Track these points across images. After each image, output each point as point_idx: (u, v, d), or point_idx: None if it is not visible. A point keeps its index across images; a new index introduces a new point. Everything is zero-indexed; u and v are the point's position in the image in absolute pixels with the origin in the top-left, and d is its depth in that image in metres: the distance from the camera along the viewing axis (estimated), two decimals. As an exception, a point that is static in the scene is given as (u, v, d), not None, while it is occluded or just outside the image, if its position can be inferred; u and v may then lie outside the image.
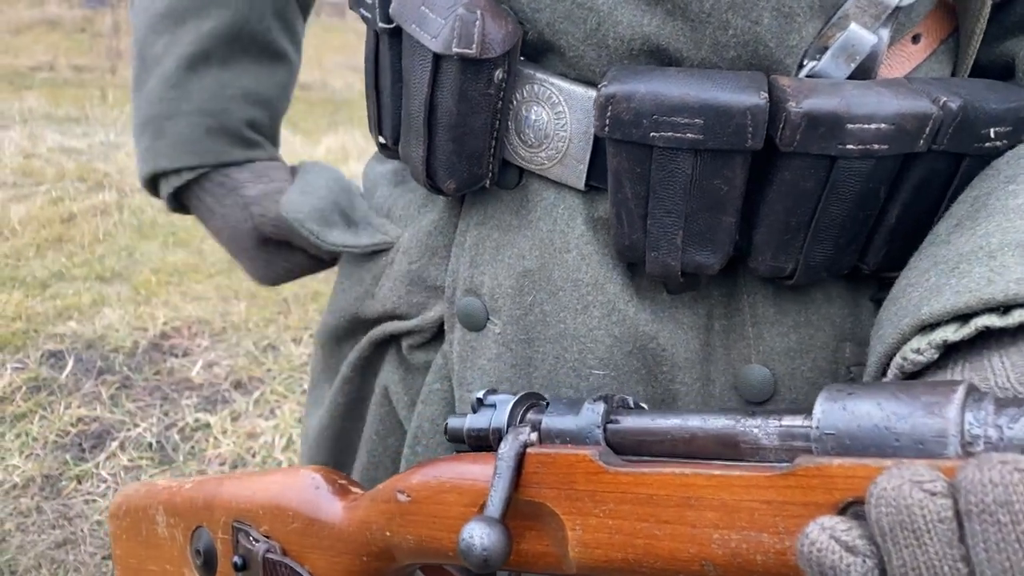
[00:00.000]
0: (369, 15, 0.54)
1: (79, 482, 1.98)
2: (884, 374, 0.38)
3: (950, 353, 0.37)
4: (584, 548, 0.37)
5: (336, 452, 0.68)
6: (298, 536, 0.51)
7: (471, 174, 0.51)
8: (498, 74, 0.48)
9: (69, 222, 3.27)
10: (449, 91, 0.48)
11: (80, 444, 2.10)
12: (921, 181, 0.45)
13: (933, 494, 0.27)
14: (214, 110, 0.69)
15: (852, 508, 0.29)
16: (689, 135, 0.43)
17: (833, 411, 0.30)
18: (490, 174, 0.52)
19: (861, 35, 0.44)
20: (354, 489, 0.51)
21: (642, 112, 0.44)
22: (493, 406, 0.42)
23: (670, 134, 0.44)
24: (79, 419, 2.18)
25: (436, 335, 0.58)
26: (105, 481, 1.99)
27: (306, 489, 0.52)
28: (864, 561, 0.28)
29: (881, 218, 0.47)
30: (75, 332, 2.53)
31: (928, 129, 0.43)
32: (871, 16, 0.44)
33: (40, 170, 3.81)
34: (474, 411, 0.43)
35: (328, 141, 4.94)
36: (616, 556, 0.35)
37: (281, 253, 0.72)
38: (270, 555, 0.51)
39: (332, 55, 9.00)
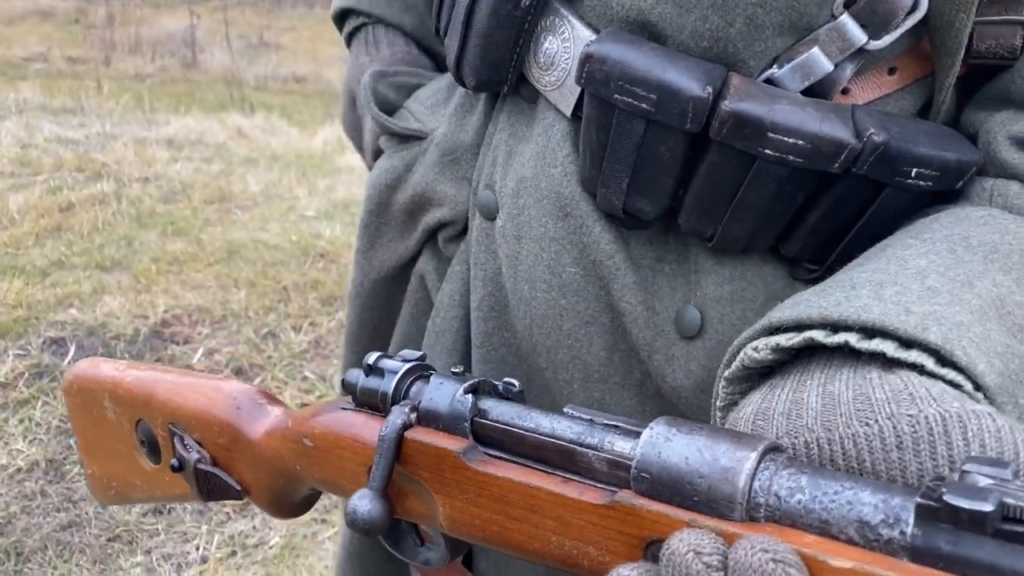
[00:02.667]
0: None
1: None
2: (731, 363, 0.43)
3: (801, 358, 0.41)
4: (451, 522, 0.43)
5: (364, 351, 0.73)
6: (225, 449, 0.55)
7: (490, 78, 0.59)
8: (526, 1, 0.55)
9: (68, 212, 3.28)
10: (485, 5, 0.56)
11: (83, 430, 2.12)
12: (840, 197, 0.51)
13: (709, 567, 0.31)
14: None
15: (654, 546, 0.34)
16: (644, 106, 0.50)
17: (650, 455, 0.35)
18: (508, 82, 0.59)
19: (819, 60, 0.50)
20: (274, 409, 0.55)
21: (611, 76, 0.51)
22: (383, 373, 0.46)
23: (630, 100, 0.51)
24: (81, 405, 2.20)
25: (464, 229, 0.66)
26: (108, 466, 2.02)
27: (229, 406, 0.56)
28: None
29: (802, 215, 0.53)
30: (76, 320, 2.54)
31: (844, 156, 0.48)
32: (836, 48, 0.50)
33: (37, 160, 3.82)
34: (367, 374, 0.47)
35: (324, 133, 4.95)
36: (477, 534, 0.42)
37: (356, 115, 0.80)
38: (201, 465, 0.56)
39: (327, 48, 9.00)
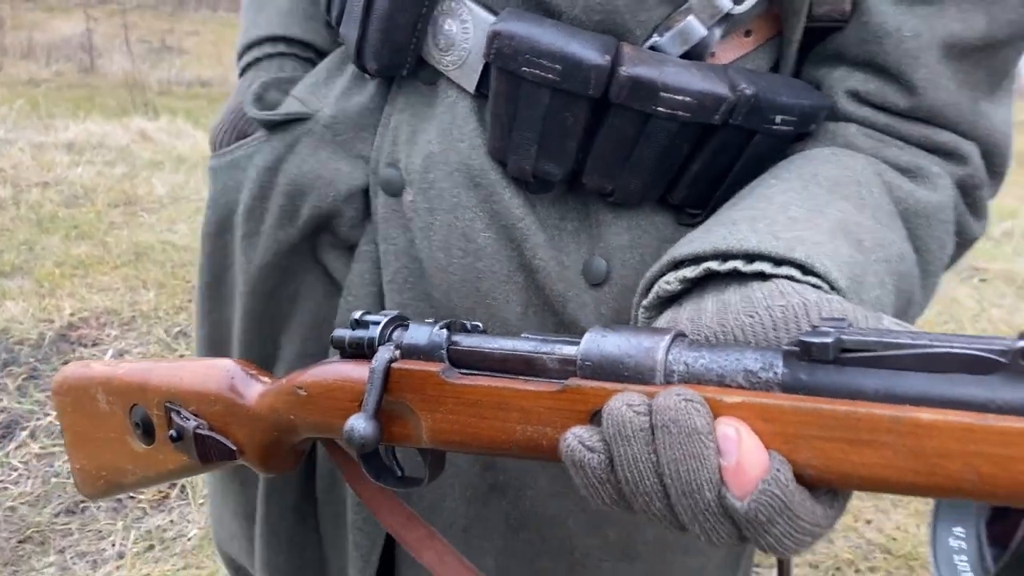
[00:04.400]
0: None
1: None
2: (647, 294, 0.51)
3: (701, 285, 0.49)
4: (432, 433, 0.50)
5: (260, 341, 0.75)
6: (220, 416, 0.61)
7: (391, 61, 0.62)
8: None
9: (-37, 218, 3.18)
10: None
11: (-11, 434, 2.08)
12: (720, 145, 0.59)
13: (637, 413, 0.40)
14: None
15: (598, 415, 0.42)
16: (550, 76, 0.55)
17: (591, 348, 0.43)
18: (407, 65, 0.63)
19: (695, 26, 0.56)
20: (262, 378, 0.61)
21: (519, 51, 0.55)
22: (367, 325, 0.53)
23: (536, 72, 0.55)
24: (-14, 410, 2.15)
25: (363, 210, 0.68)
26: (16, 469, 1.98)
27: (224, 379, 0.62)
28: (598, 456, 0.41)
29: (687, 166, 0.60)
30: (-24, 326, 2.48)
31: (723, 108, 0.56)
32: (707, 14, 0.56)
33: (-72, 166, 3.69)
34: (353, 328, 0.53)
35: (232, 135, 4.90)
36: (454, 439, 0.49)
37: None
38: (199, 431, 0.61)
39: (231, 51, 8.83)
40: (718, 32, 0.57)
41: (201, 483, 1.96)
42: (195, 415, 0.61)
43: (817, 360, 0.37)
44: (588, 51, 0.54)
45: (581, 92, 0.55)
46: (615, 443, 0.40)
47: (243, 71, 0.79)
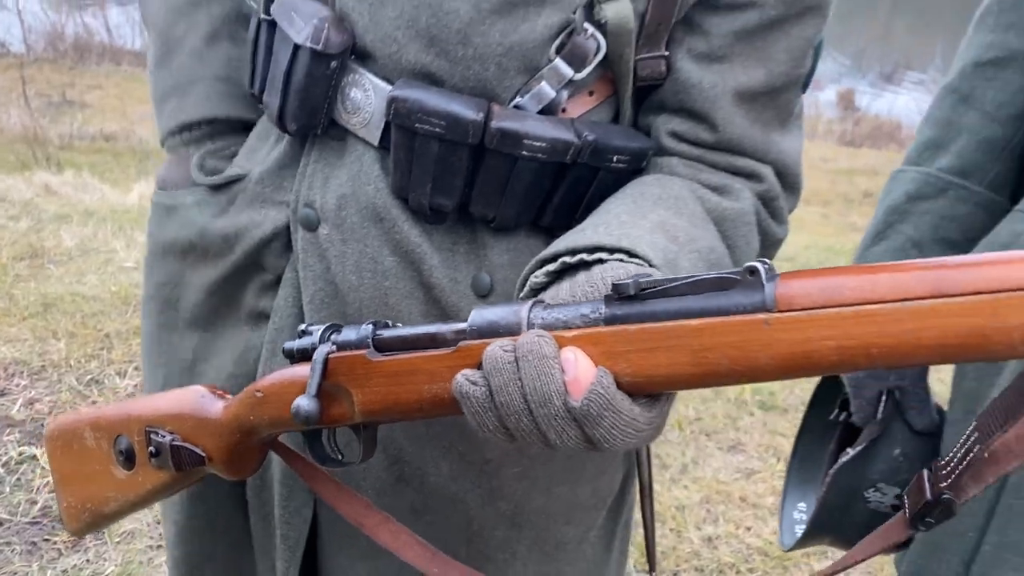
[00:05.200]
0: (255, 6, 0.78)
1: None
2: (523, 289, 0.66)
3: (560, 276, 0.64)
4: (363, 406, 0.63)
5: (193, 364, 0.88)
6: (192, 429, 0.73)
7: (308, 123, 0.76)
8: (334, 64, 0.73)
9: None
10: (301, 68, 0.73)
11: None
12: (574, 179, 0.75)
13: (506, 351, 0.54)
14: (230, 76, 0.88)
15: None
16: (437, 130, 0.70)
17: (475, 318, 0.58)
18: (321, 126, 0.76)
19: (546, 90, 0.72)
20: (226, 396, 0.74)
21: (412, 111, 0.70)
22: (310, 333, 0.67)
23: (427, 127, 0.70)
24: None
25: (286, 244, 0.81)
26: (-74, 519, 1.97)
27: (194, 399, 0.74)
28: (479, 388, 0.55)
29: (550, 196, 0.76)
30: None
31: (572, 151, 0.72)
32: (555, 80, 0.72)
33: None
34: (299, 337, 0.67)
35: (139, 188, 4.89)
36: (379, 407, 0.62)
37: None
38: (175, 443, 0.72)
39: (136, 105, 8.76)
40: (565, 93, 0.73)
41: (118, 523, 1.99)
42: (171, 432, 0.73)
43: (624, 297, 0.52)
44: (466, 110, 0.69)
45: (463, 141, 0.70)
46: (491, 375, 0.54)
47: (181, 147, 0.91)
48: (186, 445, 0.72)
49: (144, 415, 0.74)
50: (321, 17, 0.71)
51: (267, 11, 0.76)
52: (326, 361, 0.63)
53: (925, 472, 0.59)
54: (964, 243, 0.96)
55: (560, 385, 0.52)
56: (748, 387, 3.01)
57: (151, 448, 0.73)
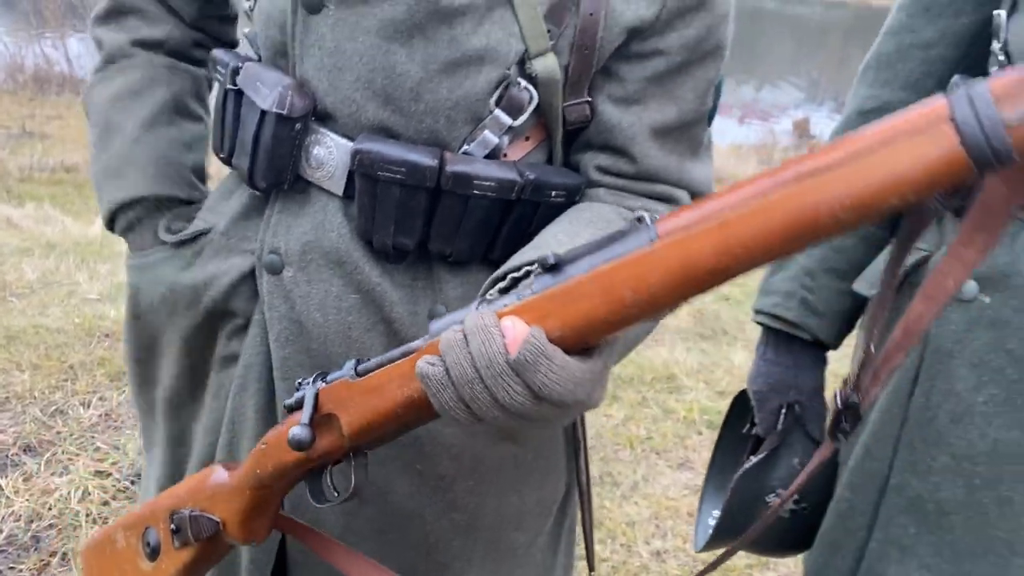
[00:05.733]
0: (221, 79, 0.88)
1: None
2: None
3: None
4: (348, 426, 0.70)
5: (181, 416, 0.96)
6: (208, 500, 0.80)
7: (276, 180, 0.85)
8: (298, 126, 0.82)
9: None
10: (268, 132, 0.82)
11: None
12: (519, 214, 0.85)
13: (456, 331, 0.61)
14: (167, 156, 0.96)
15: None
16: (398, 176, 0.80)
17: (438, 325, 0.66)
18: (288, 181, 0.85)
19: (490, 137, 0.82)
20: (240, 464, 0.81)
21: (374, 161, 0.79)
22: (301, 386, 0.75)
23: (388, 175, 0.80)
24: None
25: (254, 295, 0.89)
26: None
27: (209, 474, 0.82)
28: (437, 368, 0.61)
29: (499, 230, 0.86)
30: None
31: (516, 188, 0.82)
32: (497, 128, 0.82)
33: None
34: (297, 389, 0.75)
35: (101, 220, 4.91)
36: (363, 424, 0.70)
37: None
38: (192, 513, 0.80)
39: (98, 136, 8.74)
40: (506, 139, 0.83)
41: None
42: (190, 509, 0.80)
43: (548, 269, 0.62)
44: (422, 157, 0.79)
45: (421, 185, 0.80)
46: (446, 354, 0.61)
47: (124, 228, 0.97)
48: (203, 514, 0.79)
49: (167, 503, 0.82)
50: (284, 84, 0.81)
51: (233, 82, 0.86)
52: (316, 394, 0.71)
53: (836, 390, 0.70)
54: (849, 272, 1.08)
55: (501, 346, 0.59)
56: (696, 408, 3.13)
57: (172, 526, 0.80)
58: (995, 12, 0.95)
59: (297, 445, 0.70)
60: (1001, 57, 0.94)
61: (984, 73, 0.97)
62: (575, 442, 1.00)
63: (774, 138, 12.37)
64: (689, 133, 0.88)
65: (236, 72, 0.86)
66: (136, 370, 1.01)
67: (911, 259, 0.98)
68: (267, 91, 0.81)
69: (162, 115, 0.98)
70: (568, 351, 0.59)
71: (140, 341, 0.98)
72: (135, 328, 0.98)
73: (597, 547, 2.39)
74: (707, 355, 3.59)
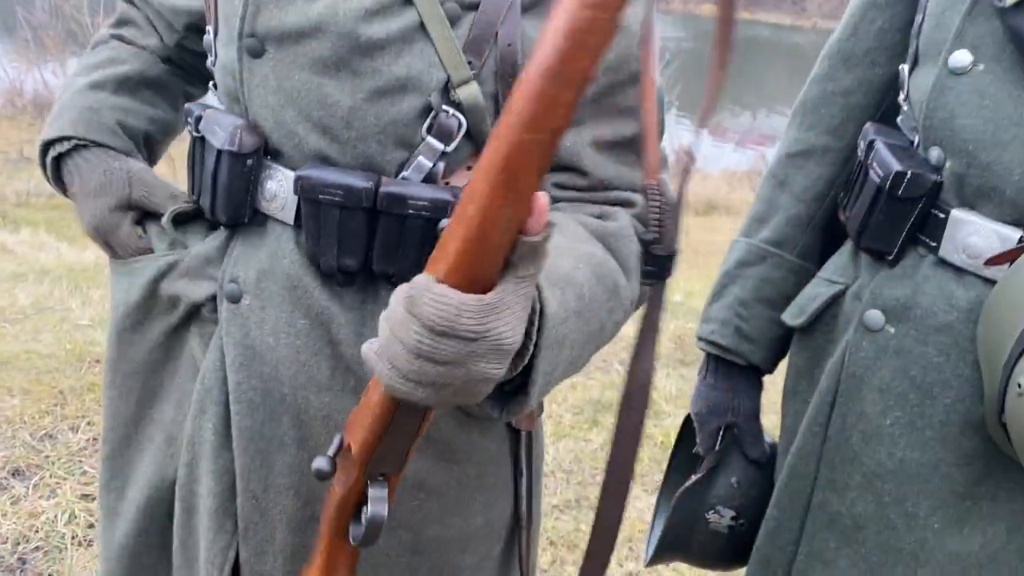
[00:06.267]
0: (190, 127, 0.96)
1: None
2: None
3: None
4: (354, 447, 0.71)
5: (139, 409, 1.03)
6: None
7: (236, 214, 0.92)
8: (250, 162, 0.89)
9: None
10: (224, 169, 0.89)
11: None
12: None
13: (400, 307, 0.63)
14: (96, 108, 1.03)
15: None
16: (337, 199, 0.85)
17: None
18: (247, 215, 0.92)
19: (424, 162, 0.88)
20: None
21: (315, 187, 0.85)
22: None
23: (328, 198, 0.85)
24: None
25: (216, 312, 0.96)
26: None
27: None
28: (372, 344, 0.64)
29: None
30: None
31: (450, 207, 0.85)
32: (431, 154, 0.88)
33: None
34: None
35: (96, 247, 4.99)
36: (362, 440, 0.71)
37: (129, 217, 1.02)
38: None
39: (95, 162, 8.82)
40: (442, 165, 0.88)
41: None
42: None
43: None
44: (358, 181, 0.85)
45: (358, 205, 0.85)
46: (379, 334, 0.64)
47: (55, 160, 1.02)
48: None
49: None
50: (236, 125, 0.89)
51: (196, 129, 0.94)
52: (341, 441, 0.74)
53: None
54: (780, 301, 1.15)
55: (400, 298, 0.62)
56: (674, 433, 3.18)
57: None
58: (900, 66, 1.04)
59: (317, 474, 0.73)
60: (905, 107, 1.02)
61: (896, 119, 1.06)
62: (519, 467, 1.05)
63: (767, 164, 12.49)
64: (636, 145, 0.93)
65: (199, 120, 0.94)
66: (132, 388, 1.05)
67: (829, 291, 1.06)
68: (222, 132, 0.89)
69: (108, 83, 1.06)
70: (466, 290, 0.60)
71: (114, 352, 1.04)
72: (116, 338, 1.03)
73: (570, 568, 2.46)
74: (687, 381, 3.65)
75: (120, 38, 1.11)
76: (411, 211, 0.86)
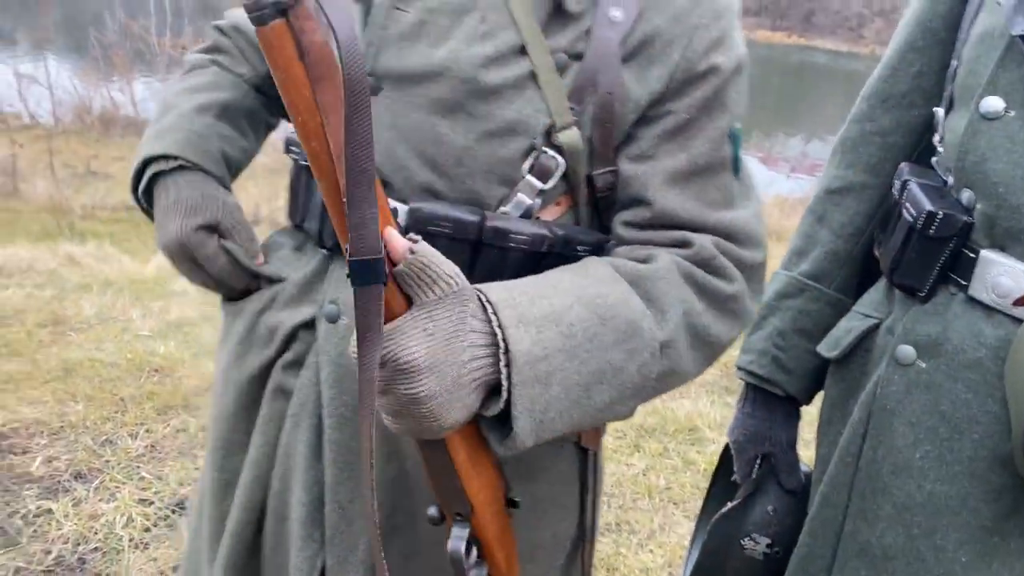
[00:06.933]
0: (296, 157, 1.02)
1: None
2: None
3: None
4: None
5: (240, 435, 1.08)
6: None
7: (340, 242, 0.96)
8: None
9: None
10: None
11: (-77, 535, 2.27)
12: (550, 264, 0.91)
13: None
14: (205, 135, 1.06)
15: None
16: (446, 231, 0.90)
17: None
18: None
19: (523, 199, 0.92)
20: None
21: (426, 219, 0.90)
22: None
23: (437, 229, 0.90)
24: (-79, 513, 2.35)
25: (312, 340, 1.01)
26: (-49, 562, 2.18)
27: None
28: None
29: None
30: (-90, 437, 2.68)
31: (546, 243, 0.91)
32: (530, 191, 0.92)
33: None
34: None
35: (157, 259, 5.17)
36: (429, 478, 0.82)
37: (215, 237, 1.03)
38: None
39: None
40: (539, 202, 0.93)
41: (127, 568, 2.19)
42: None
43: None
44: (466, 215, 0.90)
45: (464, 237, 0.90)
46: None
47: (151, 179, 1.04)
48: None
49: None
50: None
51: (306, 160, 0.98)
52: None
53: None
54: (817, 333, 1.18)
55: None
56: (716, 459, 3.19)
57: None
58: (935, 109, 1.07)
59: (430, 520, 0.85)
60: (939, 149, 1.05)
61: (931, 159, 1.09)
62: (586, 484, 1.09)
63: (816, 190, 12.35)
64: (709, 180, 0.94)
65: None
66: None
67: (863, 325, 1.09)
68: None
69: (212, 108, 1.08)
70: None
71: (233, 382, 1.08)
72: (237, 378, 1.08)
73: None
74: (732, 409, 3.65)
75: (217, 63, 1.15)
76: (512, 244, 0.91)
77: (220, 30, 1.18)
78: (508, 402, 0.78)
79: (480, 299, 0.79)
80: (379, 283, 0.70)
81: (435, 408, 0.74)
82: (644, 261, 0.92)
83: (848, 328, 1.13)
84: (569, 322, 0.82)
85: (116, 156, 10.60)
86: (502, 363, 0.77)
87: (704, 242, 0.92)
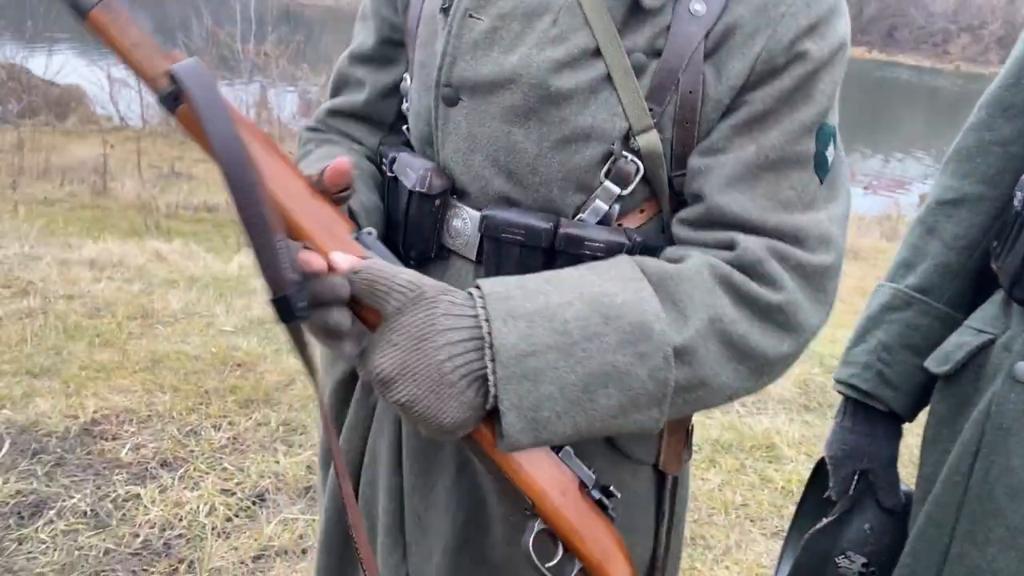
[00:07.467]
0: (385, 169, 1.02)
1: (20, 543, 2.25)
2: None
3: None
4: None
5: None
6: None
7: (423, 250, 0.97)
8: (437, 202, 0.94)
9: (-4, 324, 3.53)
10: (414, 208, 0.94)
11: (19, 513, 2.37)
12: None
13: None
14: (367, 163, 1.07)
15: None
16: (518, 238, 0.89)
17: None
18: (433, 250, 0.96)
19: (600, 205, 0.89)
20: None
21: (498, 226, 0.90)
22: None
23: (510, 236, 0.89)
24: (17, 491, 2.44)
25: None
26: (44, 543, 2.26)
27: None
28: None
29: None
30: (9, 419, 2.80)
31: (625, 249, 0.87)
32: (607, 197, 0.89)
33: (-39, 277, 4.05)
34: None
35: (239, 258, 5.31)
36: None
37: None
38: None
39: (239, 180, 9.35)
40: (617, 208, 0.89)
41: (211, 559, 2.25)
42: None
43: None
44: (539, 222, 0.88)
45: (537, 244, 0.88)
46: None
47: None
48: None
49: None
50: (427, 168, 0.94)
51: (391, 171, 1.01)
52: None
53: None
54: (925, 348, 1.15)
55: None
56: (795, 478, 3.13)
57: None
58: None
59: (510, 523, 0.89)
60: None
61: None
62: (661, 509, 1.06)
63: (899, 210, 12.07)
64: (782, 176, 0.87)
65: (393, 161, 1.00)
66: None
67: (977, 341, 1.06)
68: (413, 174, 0.94)
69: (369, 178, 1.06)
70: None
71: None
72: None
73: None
74: (810, 427, 3.58)
75: (341, 132, 1.13)
76: (587, 251, 0.88)
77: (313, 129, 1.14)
78: (496, 397, 0.77)
79: (471, 294, 0.80)
80: (294, 319, 0.74)
81: (425, 411, 0.75)
82: (676, 261, 0.87)
83: (959, 343, 1.09)
84: (564, 319, 0.79)
85: (199, 158, 10.94)
86: (487, 357, 0.77)
87: (751, 245, 0.85)
